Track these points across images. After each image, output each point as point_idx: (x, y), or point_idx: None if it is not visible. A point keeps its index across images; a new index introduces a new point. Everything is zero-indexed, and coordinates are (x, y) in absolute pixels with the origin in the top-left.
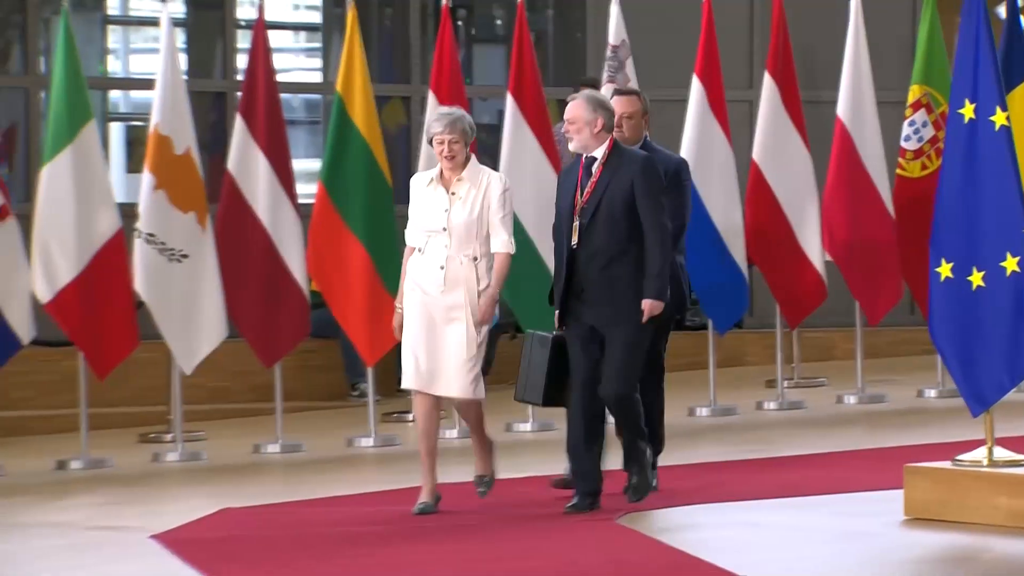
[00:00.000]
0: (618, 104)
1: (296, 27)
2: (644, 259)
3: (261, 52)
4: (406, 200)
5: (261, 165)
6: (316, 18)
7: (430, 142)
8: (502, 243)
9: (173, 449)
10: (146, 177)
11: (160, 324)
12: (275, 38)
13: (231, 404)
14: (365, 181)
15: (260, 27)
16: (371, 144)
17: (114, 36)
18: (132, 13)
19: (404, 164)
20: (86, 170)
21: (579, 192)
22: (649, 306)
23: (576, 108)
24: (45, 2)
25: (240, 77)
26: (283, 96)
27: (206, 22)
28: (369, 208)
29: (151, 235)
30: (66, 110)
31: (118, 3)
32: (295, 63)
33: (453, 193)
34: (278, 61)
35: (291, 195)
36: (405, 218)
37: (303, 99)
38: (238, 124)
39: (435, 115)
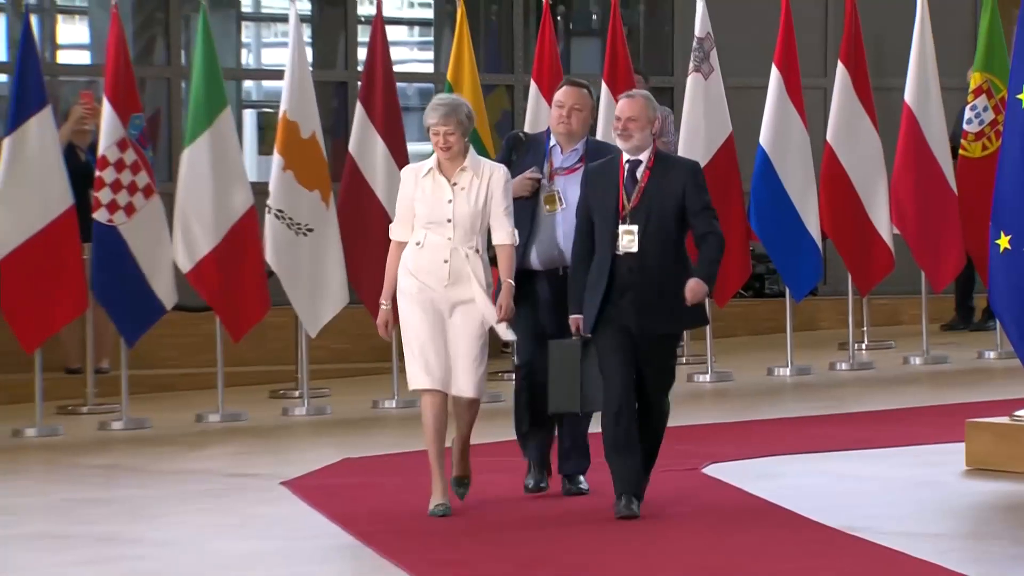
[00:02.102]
0: (567, 95)
1: (411, 22)
2: (691, 267)
3: (379, 45)
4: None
5: (379, 147)
6: (428, 14)
7: (427, 132)
8: (507, 234)
9: (300, 404)
10: (276, 159)
11: (288, 291)
12: (392, 32)
13: (352, 364)
14: None
15: (379, 22)
16: (477, 128)
17: (247, 31)
18: (264, 10)
19: None
20: (222, 152)
21: (623, 196)
22: (695, 287)
23: (638, 107)
24: (186, 0)
25: (360, 68)
26: (398, 85)
27: (330, 18)
28: None
29: (280, 211)
30: (204, 98)
31: (251, 1)
32: (409, 55)
33: (455, 184)
34: (394, 53)
35: None
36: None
37: (416, 87)
38: (358, 110)
39: (432, 104)
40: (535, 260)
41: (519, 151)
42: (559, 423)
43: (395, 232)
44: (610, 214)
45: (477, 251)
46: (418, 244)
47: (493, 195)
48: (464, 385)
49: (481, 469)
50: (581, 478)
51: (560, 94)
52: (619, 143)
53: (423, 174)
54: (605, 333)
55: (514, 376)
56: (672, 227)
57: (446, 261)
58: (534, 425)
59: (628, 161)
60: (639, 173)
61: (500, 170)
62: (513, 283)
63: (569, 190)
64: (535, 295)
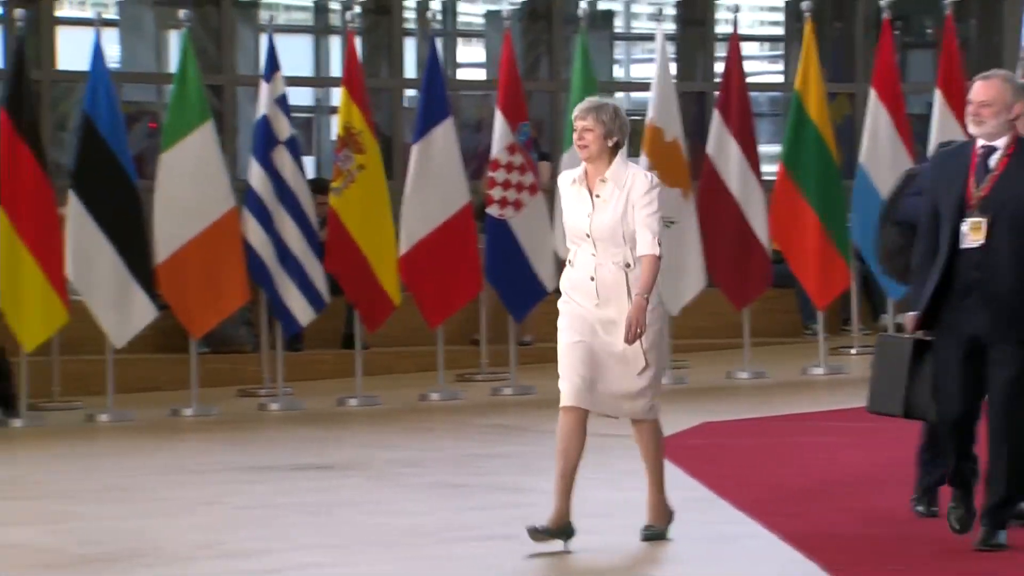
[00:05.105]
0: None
1: (762, 38)
2: None
3: (735, 59)
4: (852, 176)
5: (733, 150)
6: (779, 30)
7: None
8: (646, 244)
9: (664, 375)
10: (642, 160)
11: None
12: (746, 48)
13: (709, 339)
14: (818, 161)
15: (734, 39)
16: (822, 132)
17: (619, 49)
18: (633, 30)
19: (848, 148)
20: None
21: (971, 185)
22: None
23: (994, 90)
24: (567, 23)
25: (717, 79)
26: (751, 94)
27: (691, 36)
28: (821, 182)
29: None
30: None
31: (623, 22)
32: (761, 67)
33: (597, 195)
34: (747, 66)
35: (757, 173)
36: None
37: (767, 96)
38: (715, 117)
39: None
40: None
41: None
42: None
43: (561, 249)
44: (955, 205)
45: (627, 265)
46: (569, 262)
47: (635, 202)
48: (622, 408)
49: (828, 433)
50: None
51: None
52: (971, 128)
53: (570, 183)
54: (944, 338)
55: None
56: None
57: (592, 279)
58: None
59: (982, 147)
60: (993, 161)
61: (643, 175)
62: (646, 298)
63: None
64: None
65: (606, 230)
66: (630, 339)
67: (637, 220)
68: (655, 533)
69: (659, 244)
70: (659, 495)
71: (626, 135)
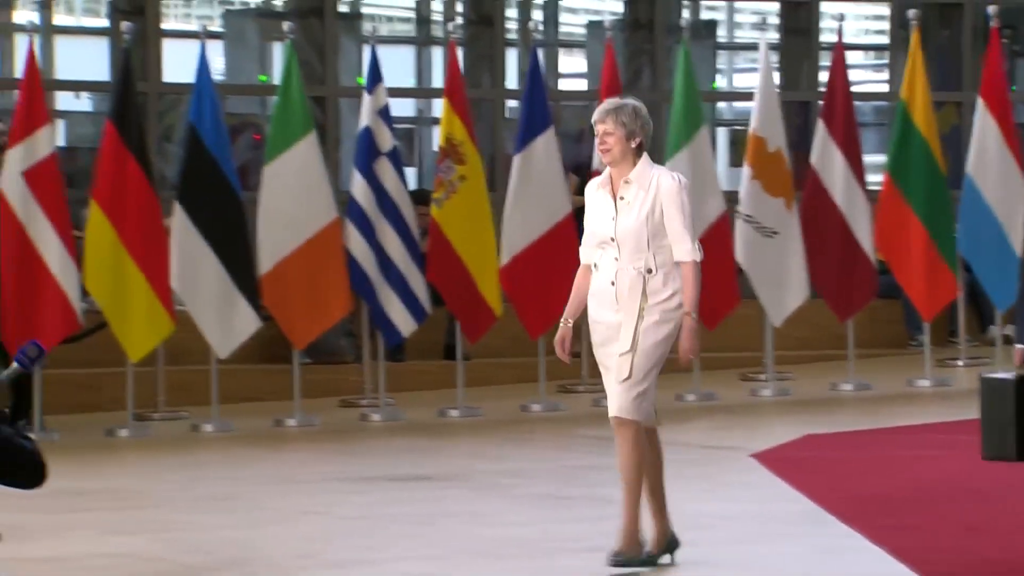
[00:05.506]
0: None
1: (867, 47)
2: None
3: (840, 68)
4: (958, 186)
5: (838, 160)
6: (884, 39)
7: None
8: (685, 251)
9: (766, 386)
10: (745, 170)
11: (756, 286)
12: (850, 56)
13: (812, 351)
14: (924, 171)
15: (839, 48)
16: (929, 141)
17: (722, 58)
18: (737, 39)
19: (955, 158)
20: (699, 165)
21: None
22: None
23: None
24: (670, 32)
25: (822, 89)
26: (856, 103)
27: (795, 45)
28: (928, 192)
29: (749, 216)
30: (684, 118)
31: (726, 32)
32: (865, 76)
33: (621, 198)
34: (852, 75)
35: (862, 183)
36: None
37: (872, 105)
38: (819, 127)
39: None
40: None
41: None
42: None
43: (582, 254)
44: None
45: (649, 271)
46: (595, 266)
47: (664, 207)
48: (612, 404)
49: (933, 445)
50: None
51: None
52: None
53: (595, 188)
54: None
55: None
56: None
57: (613, 283)
58: None
59: None
60: None
61: (670, 177)
62: (694, 317)
63: None
64: None
65: (630, 233)
66: (686, 363)
67: (670, 227)
68: (622, 561)
69: (698, 249)
70: (632, 516)
71: (649, 134)
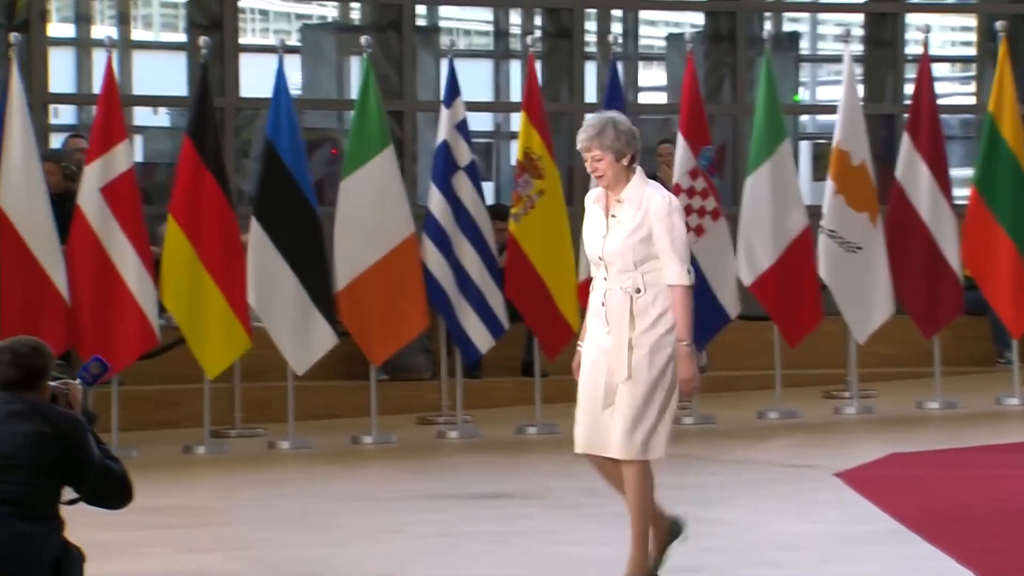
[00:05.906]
0: None
1: (953, 59)
2: None
3: (926, 80)
4: None
5: (923, 174)
6: (970, 50)
7: None
8: (674, 274)
9: (850, 404)
10: (829, 184)
11: (839, 303)
12: (936, 68)
13: (897, 368)
14: (1012, 184)
15: (925, 60)
16: (1018, 154)
17: (804, 71)
18: (819, 51)
19: None
20: (781, 179)
21: None
22: None
23: None
24: (751, 45)
25: (907, 101)
26: (942, 116)
27: (879, 57)
28: (1016, 206)
29: (832, 231)
30: (766, 131)
31: (808, 44)
32: (951, 89)
33: (613, 216)
34: (938, 87)
35: (948, 198)
36: None
37: (958, 118)
38: (905, 140)
39: (583, 123)
40: None
41: None
42: None
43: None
44: None
45: (637, 291)
46: (591, 287)
47: (653, 227)
48: (610, 446)
49: (1021, 465)
50: None
51: None
52: None
53: (592, 201)
54: None
55: None
56: None
57: (603, 304)
58: None
59: None
60: None
61: (660, 197)
62: (689, 345)
63: None
64: None
65: (617, 253)
66: (687, 393)
67: (659, 249)
68: None
69: (688, 272)
70: (640, 549)
71: (637, 147)
